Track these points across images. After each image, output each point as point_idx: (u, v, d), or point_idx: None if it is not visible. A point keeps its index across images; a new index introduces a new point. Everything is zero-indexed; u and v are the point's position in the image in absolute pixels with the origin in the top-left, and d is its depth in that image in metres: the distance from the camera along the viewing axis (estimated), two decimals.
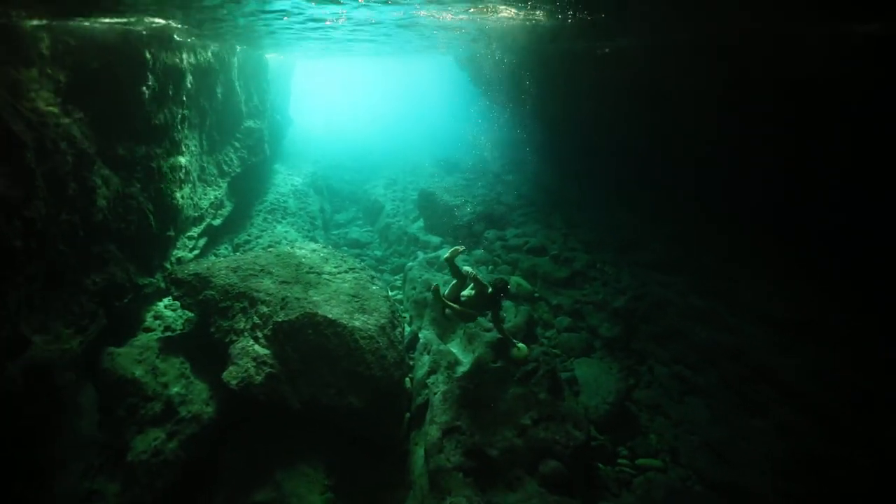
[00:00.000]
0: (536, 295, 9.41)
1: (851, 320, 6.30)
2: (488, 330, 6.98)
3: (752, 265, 7.81)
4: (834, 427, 5.54)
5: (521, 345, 6.37)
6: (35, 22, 4.79)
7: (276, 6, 6.70)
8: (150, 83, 6.95)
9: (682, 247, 9.05)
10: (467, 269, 6.43)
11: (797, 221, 7.12)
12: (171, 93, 7.72)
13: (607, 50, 9.12)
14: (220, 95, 10.29)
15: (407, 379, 6.94)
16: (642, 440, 6.41)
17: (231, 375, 5.49)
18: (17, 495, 4.25)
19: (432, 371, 6.60)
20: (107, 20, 5.90)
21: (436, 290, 6.33)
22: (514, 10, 6.55)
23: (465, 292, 6.33)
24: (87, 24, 5.62)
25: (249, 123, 12.26)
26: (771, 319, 6.92)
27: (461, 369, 6.48)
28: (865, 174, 6.03)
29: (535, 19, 6.91)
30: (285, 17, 7.69)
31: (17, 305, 4.12)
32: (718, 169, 8.17)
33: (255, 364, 5.58)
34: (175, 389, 5.67)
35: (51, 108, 4.91)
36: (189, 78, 8.50)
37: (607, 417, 6.58)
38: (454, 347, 7.19)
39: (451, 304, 6.17)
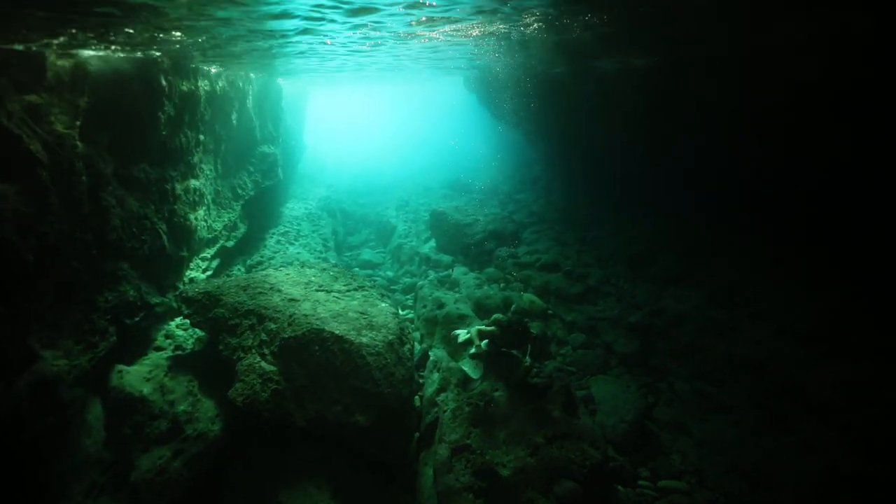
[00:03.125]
0: (550, 311, 9.22)
1: (876, 332, 5.96)
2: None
3: (770, 277, 7.53)
4: (867, 444, 5.17)
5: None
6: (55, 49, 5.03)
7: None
8: (166, 108, 7.21)
9: (697, 260, 8.80)
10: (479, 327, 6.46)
11: (814, 231, 6.88)
12: (186, 118, 7.99)
13: (615, 67, 9.17)
14: (234, 121, 10.62)
15: (417, 397, 6.78)
16: (664, 461, 6.09)
17: (237, 392, 5.43)
18: None
19: (442, 389, 6.44)
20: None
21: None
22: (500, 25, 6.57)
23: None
24: (105, 53, 5.88)
25: (263, 148, 12.58)
26: (793, 332, 6.60)
27: (472, 386, 6.31)
28: (885, 181, 5.81)
29: (526, 31, 6.92)
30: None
31: (27, 319, 4.17)
32: (731, 181, 8.01)
33: (261, 381, 5.52)
34: (182, 407, 5.63)
35: (68, 131, 5.09)
36: (204, 105, 8.80)
37: (626, 436, 6.28)
38: (465, 365, 7.01)
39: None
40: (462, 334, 6.74)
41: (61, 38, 4.68)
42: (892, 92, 4.86)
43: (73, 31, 4.41)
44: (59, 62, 5.19)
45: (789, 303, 6.99)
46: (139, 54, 6.44)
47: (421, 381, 7.13)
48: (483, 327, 6.38)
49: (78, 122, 5.37)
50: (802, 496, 5.16)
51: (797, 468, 5.42)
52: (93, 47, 5.48)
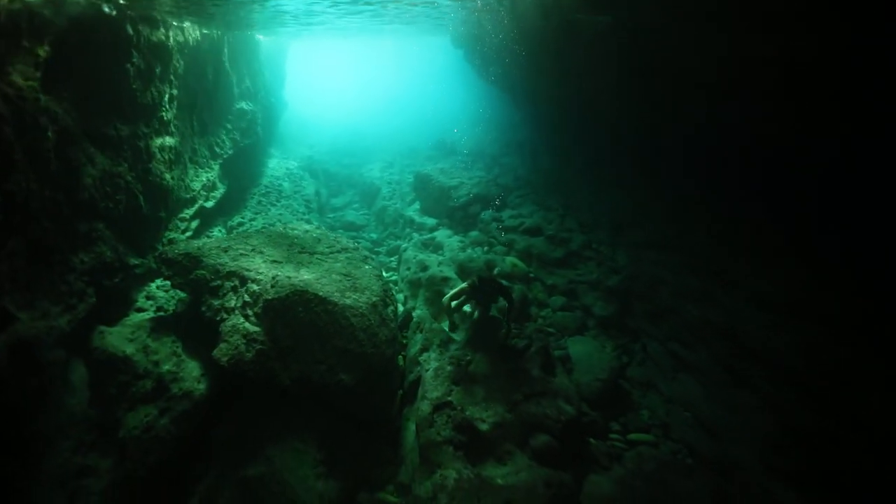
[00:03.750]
0: (532, 275, 9.38)
1: (844, 300, 6.25)
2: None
3: (746, 245, 7.74)
4: (821, 403, 5.54)
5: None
6: None
7: None
8: (135, 60, 6.82)
9: (677, 227, 8.97)
10: (449, 292, 6.57)
11: (791, 201, 7.03)
12: (158, 71, 7.59)
13: (601, 26, 8.89)
14: (210, 76, 10.13)
15: (400, 357, 6.95)
16: (634, 416, 6.43)
17: (221, 353, 5.49)
18: (6, 471, 4.27)
19: (425, 348, 6.60)
20: None
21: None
22: None
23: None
24: None
25: (241, 105, 12.11)
26: (763, 298, 6.87)
27: (454, 347, 6.48)
28: (860, 154, 5.91)
29: None
30: None
31: None
32: (712, 148, 8.04)
33: (245, 341, 5.58)
34: (166, 367, 5.67)
35: (30, 83, 4.81)
36: (177, 57, 8.35)
37: (600, 394, 6.59)
38: (447, 326, 7.18)
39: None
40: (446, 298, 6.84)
41: None
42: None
43: None
44: (13, 6, 4.82)
45: (762, 272, 7.23)
46: None
47: (404, 341, 7.29)
48: (460, 287, 6.47)
49: (38, 74, 5.06)
50: (758, 448, 5.56)
51: (756, 423, 5.80)
52: None
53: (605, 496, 5.00)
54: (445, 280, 8.23)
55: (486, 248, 10.33)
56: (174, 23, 8.21)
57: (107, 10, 6.13)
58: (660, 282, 8.08)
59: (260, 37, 14.33)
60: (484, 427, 5.28)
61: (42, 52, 5.08)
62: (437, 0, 8.75)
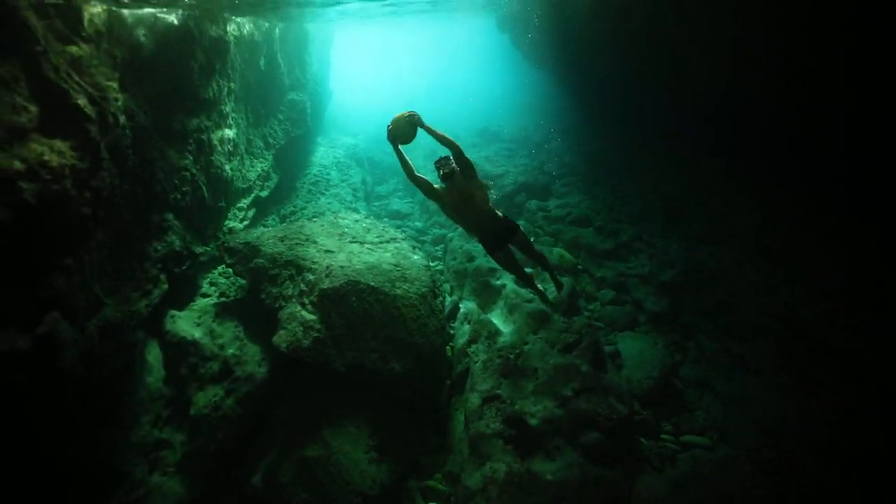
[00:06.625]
0: (580, 267, 9.21)
1: None
2: (529, 301, 6.93)
3: (808, 234, 7.26)
4: (892, 397, 5.17)
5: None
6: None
7: None
8: (197, 56, 7.12)
9: (733, 216, 8.51)
10: None
11: (855, 187, 6.49)
12: (217, 66, 7.89)
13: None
14: (263, 68, 10.43)
15: (448, 347, 7.05)
16: (688, 417, 6.26)
17: (281, 339, 5.77)
18: (97, 439, 4.72)
19: (472, 340, 6.66)
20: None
21: None
22: None
23: None
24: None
25: (292, 96, 12.41)
26: (829, 290, 6.44)
27: (501, 339, 6.51)
28: None
29: None
30: None
31: (90, 269, 4.46)
32: (772, 134, 7.51)
33: (302, 328, 5.83)
34: (231, 351, 6.03)
35: (110, 83, 5.12)
36: (233, 51, 8.64)
37: (651, 392, 6.45)
38: (495, 318, 7.21)
39: None
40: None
41: None
42: None
43: None
44: (94, 10, 5.13)
45: (826, 261, 6.77)
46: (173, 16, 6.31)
47: (452, 332, 7.38)
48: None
49: (117, 74, 5.39)
50: (820, 447, 5.27)
51: (818, 422, 5.49)
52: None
53: (657, 498, 4.93)
54: (492, 271, 8.23)
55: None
56: (230, 16, 8.49)
57: (176, 21, 6.47)
58: (717, 275, 7.74)
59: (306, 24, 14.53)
60: (533, 421, 5.30)
61: (119, 53, 5.40)
62: None
